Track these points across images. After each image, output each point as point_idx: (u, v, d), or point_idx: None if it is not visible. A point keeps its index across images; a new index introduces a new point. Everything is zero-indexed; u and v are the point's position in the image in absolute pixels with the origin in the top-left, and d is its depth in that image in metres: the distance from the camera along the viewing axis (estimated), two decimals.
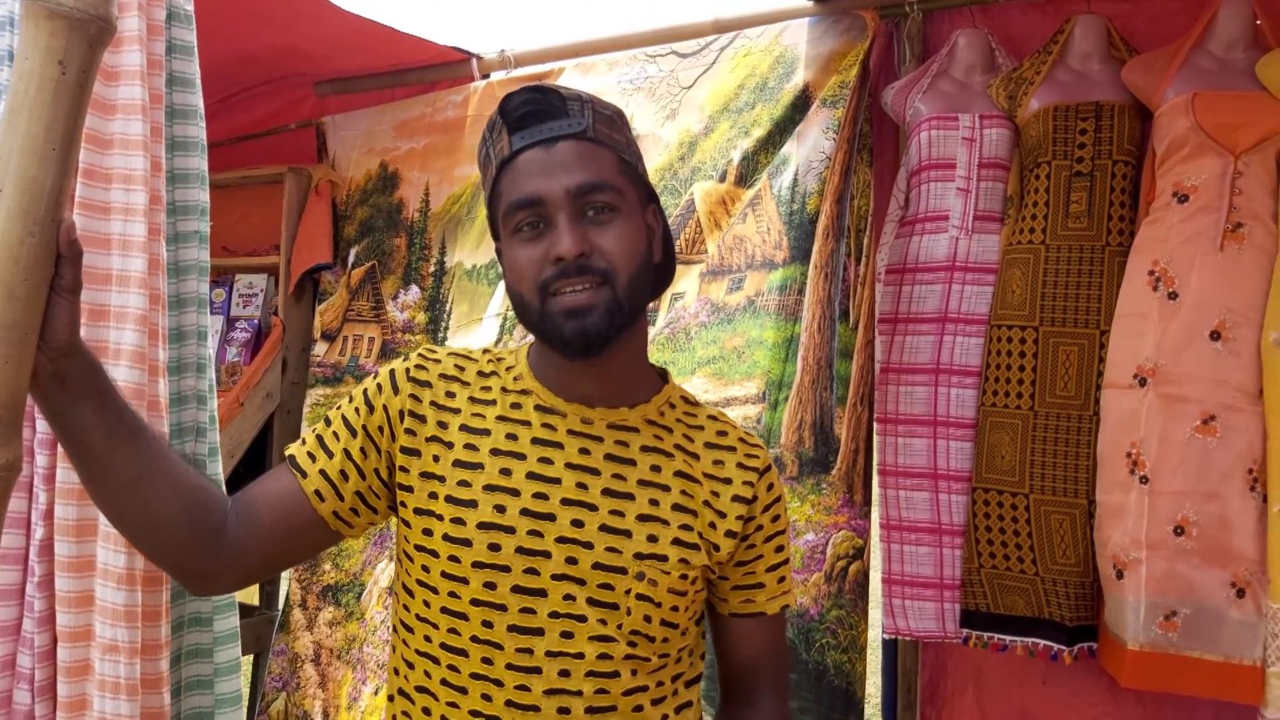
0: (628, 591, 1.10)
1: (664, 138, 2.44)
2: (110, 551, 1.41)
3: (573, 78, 2.64)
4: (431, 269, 2.82)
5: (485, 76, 2.83)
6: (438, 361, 1.20)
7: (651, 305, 2.30)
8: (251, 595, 3.03)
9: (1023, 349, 2.03)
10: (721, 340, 2.21)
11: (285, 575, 2.97)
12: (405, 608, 1.17)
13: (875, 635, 2.27)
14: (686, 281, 2.34)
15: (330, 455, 1.15)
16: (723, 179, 2.32)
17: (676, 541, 1.13)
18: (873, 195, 2.25)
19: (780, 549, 1.24)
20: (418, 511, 1.14)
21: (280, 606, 2.97)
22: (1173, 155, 1.90)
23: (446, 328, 2.76)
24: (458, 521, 1.10)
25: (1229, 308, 1.82)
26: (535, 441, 1.14)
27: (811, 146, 2.18)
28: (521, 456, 1.13)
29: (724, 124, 2.36)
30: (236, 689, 1.62)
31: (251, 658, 2.99)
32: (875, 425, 2.19)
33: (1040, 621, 2.01)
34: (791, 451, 2.14)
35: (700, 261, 2.30)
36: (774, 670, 1.27)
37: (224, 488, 1.66)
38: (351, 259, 2.94)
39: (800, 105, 2.25)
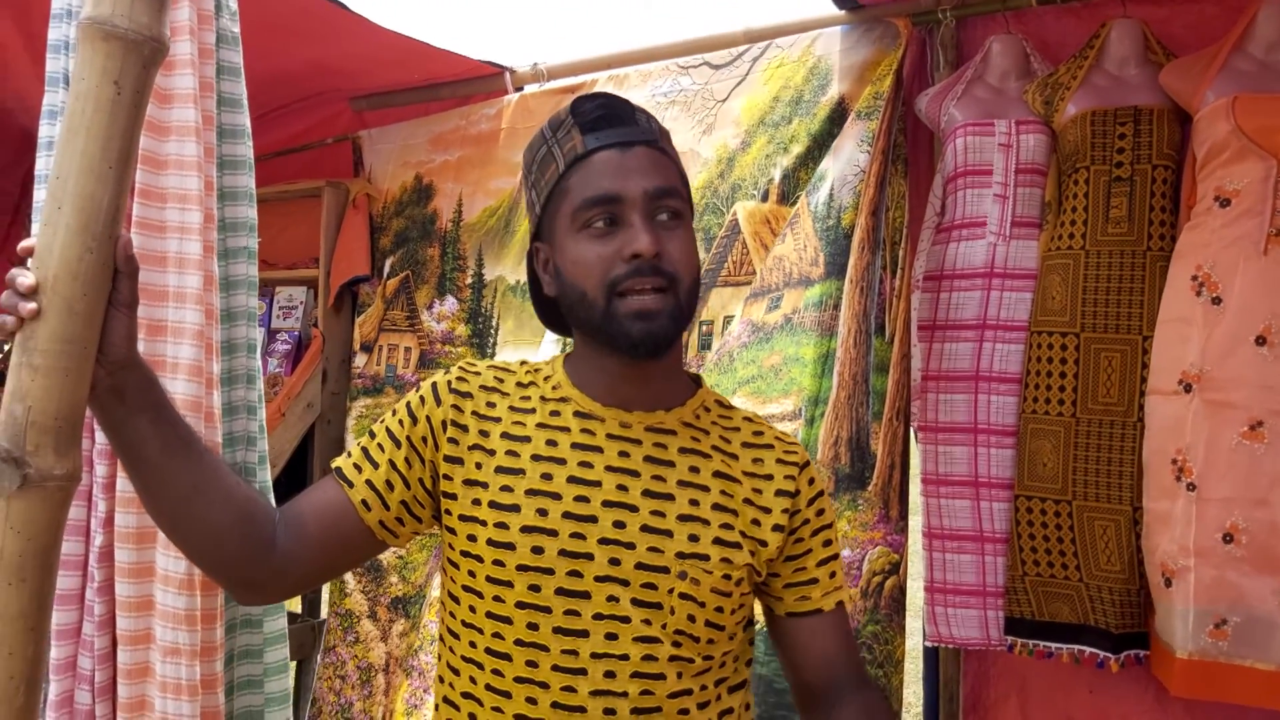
0: (671, 591, 1.11)
1: (702, 154, 2.45)
2: (170, 558, 1.45)
3: (606, 90, 2.66)
4: (469, 280, 2.84)
5: (519, 89, 2.86)
6: (478, 374, 1.23)
7: (706, 330, 2.32)
8: (294, 603, 3.07)
9: (1064, 355, 2.01)
10: (760, 359, 2.21)
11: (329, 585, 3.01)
12: (451, 615, 1.19)
13: (915, 645, 2.26)
14: (718, 300, 2.35)
15: (376, 466, 1.17)
16: (765, 198, 2.32)
17: (718, 541, 1.14)
18: (908, 205, 2.24)
19: (828, 543, 1.24)
20: (462, 518, 1.15)
21: (322, 615, 3.01)
22: (1214, 159, 1.88)
23: (494, 343, 2.79)
24: (501, 526, 1.12)
25: (1274, 312, 1.79)
26: (575, 446, 1.15)
27: (847, 161, 2.18)
28: (562, 461, 1.14)
29: (761, 138, 2.36)
30: (285, 688, 1.67)
31: (294, 664, 3.03)
32: (916, 434, 2.18)
33: (1086, 629, 1.99)
34: (828, 468, 2.14)
35: (749, 283, 2.31)
36: (850, 663, 1.24)
37: (272, 494, 1.69)
38: (387, 270, 2.97)
39: (836, 118, 2.25)
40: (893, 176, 2.21)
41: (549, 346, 2.57)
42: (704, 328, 2.37)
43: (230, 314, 1.62)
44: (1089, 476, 1.98)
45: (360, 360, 2.97)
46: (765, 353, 2.22)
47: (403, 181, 2.99)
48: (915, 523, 2.19)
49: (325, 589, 2.99)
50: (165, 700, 1.46)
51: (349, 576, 2.90)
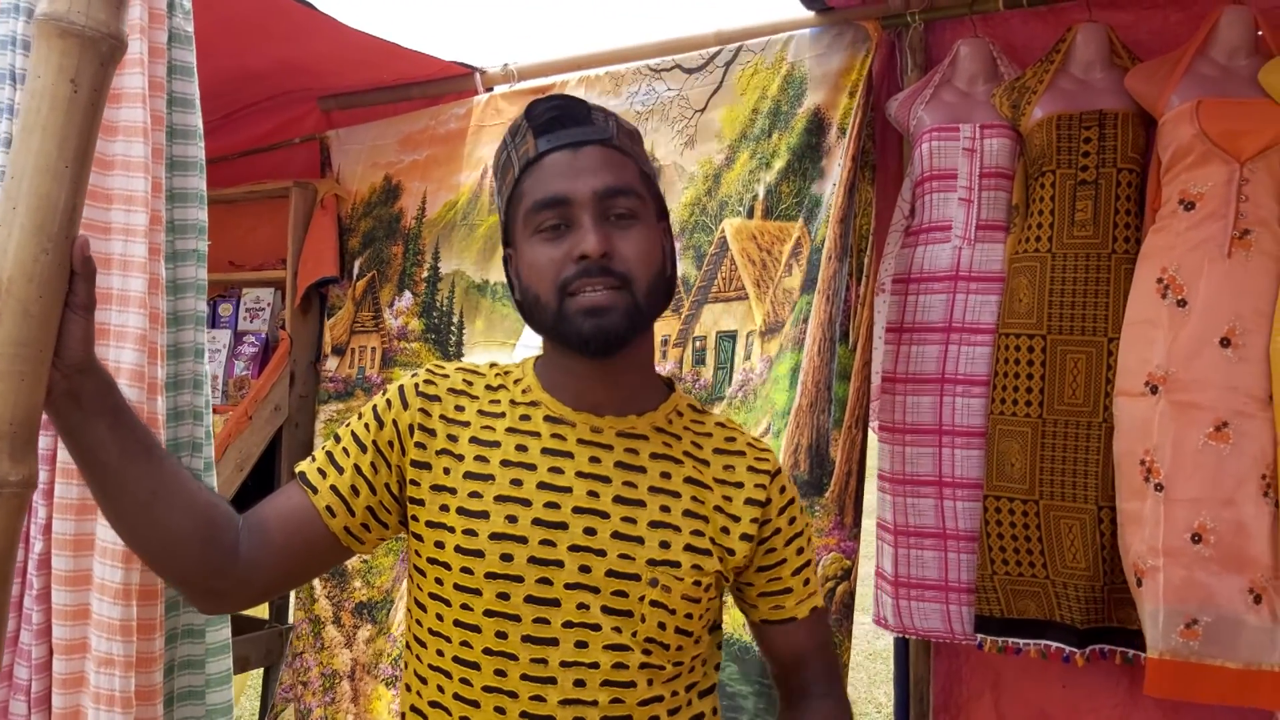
0: (641, 598, 1.10)
1: (687, 169, 2.45)
2: (107, 567, 1.42)
3: (578, 94, 2.65)
4: (425, 274, 2.82)
5: (489, 90, 2.84)
6: (446, 376, 1.21)
7: (700, 345, 2.32)
8: (261, 609, 3.04)
9: (1030, 357, 2.03)
10: (777, 394, 2.22)
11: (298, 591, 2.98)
12: (418, 623, 1.17)
13: (885, 645, 2.28)
14: (710, 317, 2.36)
15: (341, 471, 1.15)
16: (750, 214, 2.33)
17: (689, 548, 1.13)
18: (874, 212, 2.24)
19: (801, 551, 1.25)
20: (429, 525, 1.14)
21: (289, 621, 2.98)
22: (1178, 163, 1.90)
23: (458, 341, 2.77)
24: (470, 533, 1.11)
25: (1238, 314, 1.82)
26: (545, 451, 1.14)
27: (833, 182, 2.20)
28: (532, 467, 1.13)
29: (744, 153, 2.37)
30: (228, 699, 1.63)
31: (262, 671, 3.00)
32: (878, 434, 2.19)
33: (1052, 624, 2.01)
34: (786, 475, 2.16)
35: (739, 299, 2.32)
36: (821, 662, 1.28)
37: None
38: (356, 271, 2.95)
39: (813, 129, 2.26)
40: (861, 183, 2.22)
41: (524, 350, 2.56)
42: (697, 343, 2.39)
43: (178, 318, 1.59)
44: (1055, 476, 2.00)
45: (332, 364, 2.95)
46: (782, 388, 2.24)
47: (371, 183, 2.97)
48: (868, 524, 2.22)
49: (293, 594, 2.96)
50: (99, 711, 1.43)
51: (316, 581, 2.86)
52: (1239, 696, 1.81)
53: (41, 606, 1.46)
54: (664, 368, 2.39)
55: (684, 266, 2.40)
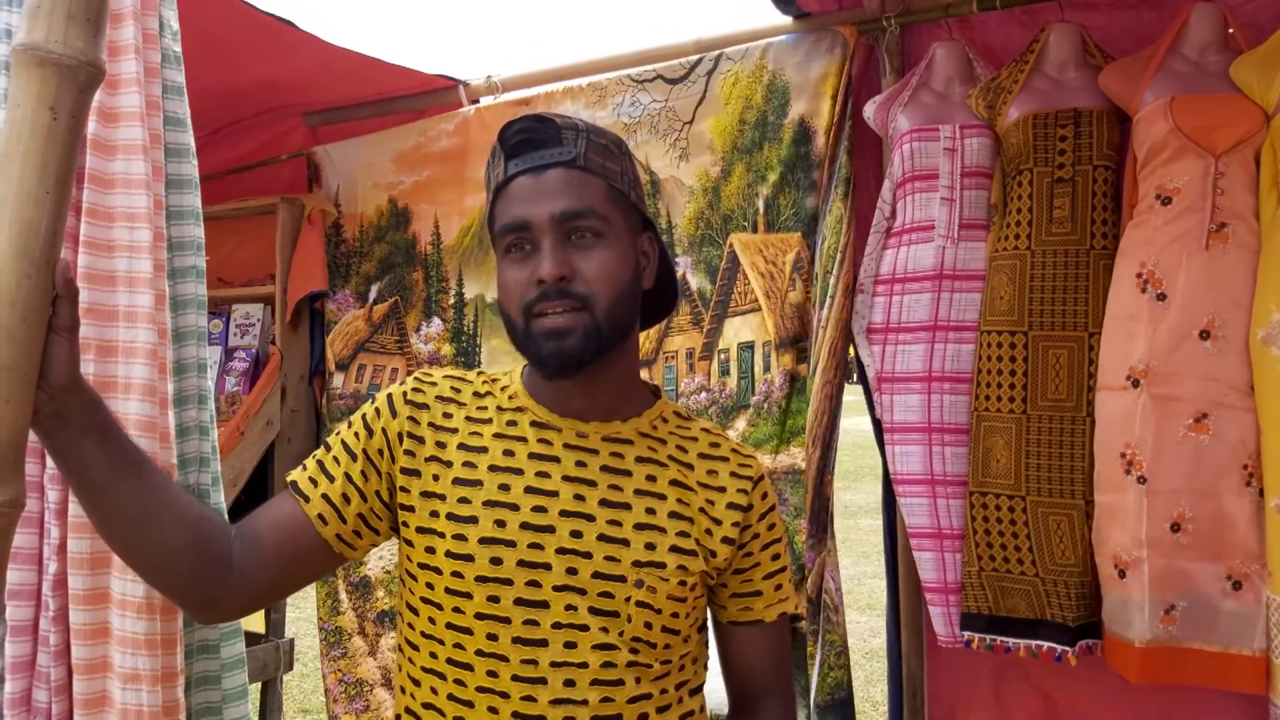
0: (628, 599, 1.12)
1: (686, 182, 2.51)
2: (127, 582, 1.43)
3: (563, 104, 2.67)
4: (451, 301, 2.87)
5: (474, 102, 2.86)
6: (434, 384, 1.23)
7: (724, 357, 2.37)
8: (258, 623, 3.04)
9: (1013, 354, 2.05)
10: (804, 409, 2.27)
11: (293, 601, 3.00)
12: (411, 626, 1.19)
13: (879, 644, 2.29)
14: (732, 330, 2.41)
15: (331, 479, 1.17)
16: (755, 228, 2.39)
17: (674, 549, 1.15)
18: (848, 226, 2.23)
19: (777, 556, 1.26)
20: (420, 530, 1.16)
21: (286, 634, 2.99)
22: (1154, 158, 1.92)
23: (479, 362, 2.83)
24: (459, 538, 1.13)
25: (1217, 306, 1.84)
26: (532, 456, 1.17)
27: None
28: (519, 471, 1.15)
29: (739, 166, 2.42)
30: (245, 714, 1.64)
31: (259, 685, 3.00)
32: (884, 434, 2.21)
33: (1043, 623, 2.02)
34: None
35: (755, 310, 2.38)
36: (776, 675, 1.29)
37: (226, 516, 1.68)
38: (373, 295, 2.98)
39: (800, 139, 2.32)
40: (833, 204, 2.24)
41: None
42: (722, 355, 2.43)
43: (180, 334, 1.60)
44: (1041, 472, 2.02)
45: (338, 380, 2.98)
46: (803, 403, 2.28)
47: (377, 205, 2.99)
48: (873, 523, 2.24)
49: (314, 606, 3.01)
50: None
51: (341, 593, 2.92)
52: (1218, 679, 1.84)
53: (59, 627, 1.46)
54: (693, 380, 2.46)
55: (698, 280, 2.47)
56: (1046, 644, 2.01)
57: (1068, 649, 1.99)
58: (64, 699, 1.47)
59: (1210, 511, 1.82)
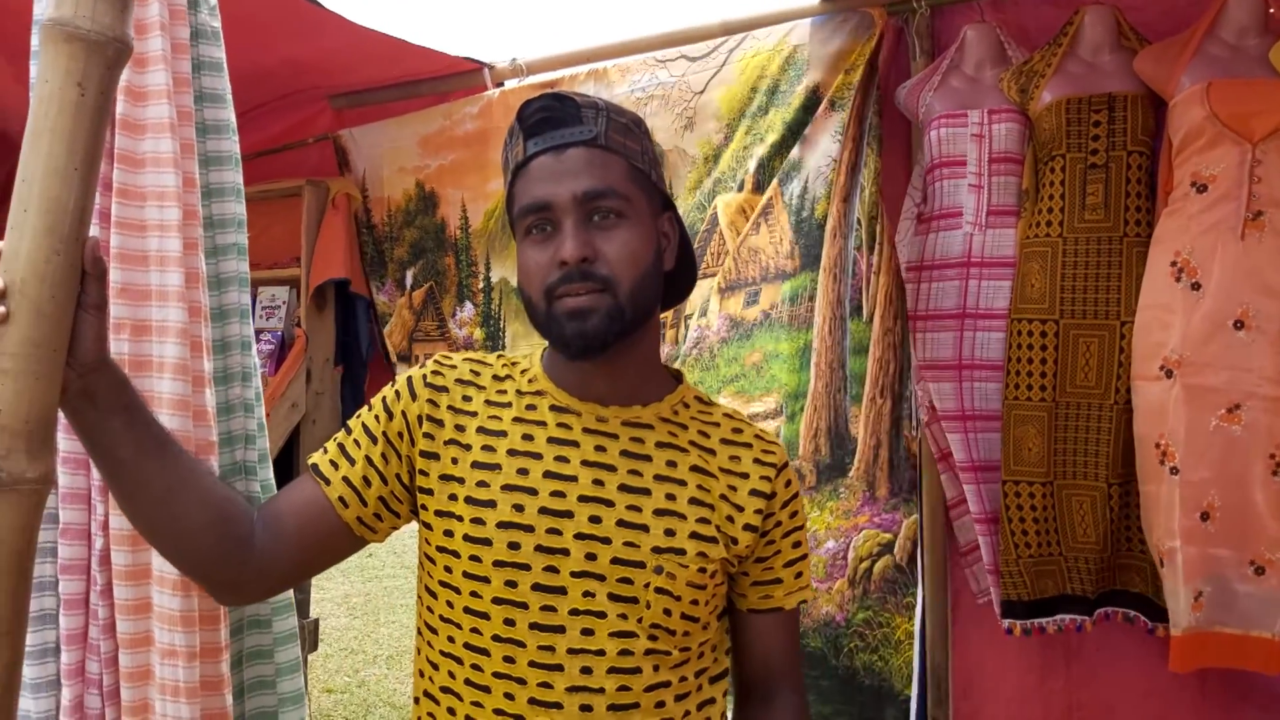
0: (646, 585, 1.11)
1: (689, 152, 2.46)
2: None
3: (586, 87, 2.65)
4: (481, 285, 2.88)
5: (499, 85, 2.85)
6: (453, 367, 1.23)
7: (670, 325, 2.32)
8: None
9: (1044, 342, 2.03)
10: (741, 356, 2.21)
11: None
12: (429, 610, 1.19)
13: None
14: (699, 294, 2.35)
15: (352, 462, 1.17)
16: (741, 188, 2.33)
17: (694, 535, 1.14)
18: (883, 182, 2.22)
19: (798, 544, 1.25)
20: (438, 514, 1.15)
21: (310, 614, 3.01)
22: (1189, 145, 1.89)
23: (504, 346, 2.83)
24: (477, 522, 1.12)
25: (1251, 295, 1.81)
26: (551, 441, 1.16)
27: (821, 152, 2.19)
28: (538, 456, 1.15)
29: (740, 130, 2.37)
30: (299, 688, 1.65)
31: None
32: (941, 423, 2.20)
33: (1065, 598, 2.04)
34: (809, 461, 2.14)
35: (717, 274, 2.31)
36: (790, 665, 1.28)
37: (276, 490, 1.67)
38: (409, 281, 2.99)
39: (810, 106, 2.26)
40: (868, 158, 2.21)
41: None
42: (689, 321, 2.38)
43: (222, 311, 1.60)
44: (1067, 456, 2.02)
45: (400, 372, 3.00)
46: (746, 350, 2.23)
47: (404, 189, 2.99)
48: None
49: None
50: (165, 702, 1.45)
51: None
52: (1236, 659, 1.86)
53: (106, 601, 1.48)
54: (665, 350, 2.40)
55: None
56: (1068, 617, 2.03)
57: (1086, 619, 2.01)
58: (113, 671, 1.49)
59: (1238, 500, 1.82)
